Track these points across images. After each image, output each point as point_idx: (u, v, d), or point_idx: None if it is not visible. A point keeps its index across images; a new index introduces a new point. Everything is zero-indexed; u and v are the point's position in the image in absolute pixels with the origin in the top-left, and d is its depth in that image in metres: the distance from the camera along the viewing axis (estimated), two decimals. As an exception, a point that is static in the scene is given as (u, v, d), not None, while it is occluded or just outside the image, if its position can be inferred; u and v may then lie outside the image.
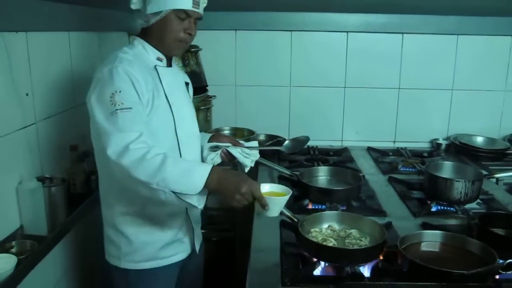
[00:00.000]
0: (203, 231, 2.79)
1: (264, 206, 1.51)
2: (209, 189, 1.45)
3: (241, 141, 1.97)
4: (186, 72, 2.68)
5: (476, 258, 1.55)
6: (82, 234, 2.15)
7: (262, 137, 3.05)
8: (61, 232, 1.91)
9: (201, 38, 2.85)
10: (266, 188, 1.59)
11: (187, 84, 1.90)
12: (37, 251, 1.69)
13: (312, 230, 1.76)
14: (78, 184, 2.13)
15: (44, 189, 1.84)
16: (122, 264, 1.71)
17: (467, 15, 2.94)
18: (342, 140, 3.18)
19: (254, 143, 2.04)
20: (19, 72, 1.83)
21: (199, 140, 1.87)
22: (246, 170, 1.86)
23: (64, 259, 2.04)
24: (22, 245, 1.70)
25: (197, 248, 1.88)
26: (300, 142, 2.37)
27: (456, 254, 1.60)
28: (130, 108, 1.48)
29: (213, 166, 1.47)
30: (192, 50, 2.74)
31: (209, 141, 1.92)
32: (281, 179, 2.43)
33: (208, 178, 1.43)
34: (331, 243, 1.66)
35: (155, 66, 1.68)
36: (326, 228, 1.79)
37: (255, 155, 1.90)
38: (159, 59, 1.70)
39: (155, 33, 1.65)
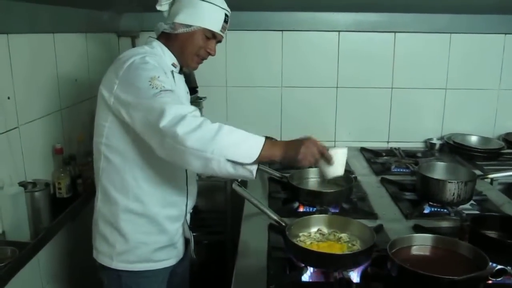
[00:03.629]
0: (194, 234, 2.77)
1: (329, 160, 1.58)
2: (263, 157, 1.47)
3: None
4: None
5: (467, 262, 1.51)
6: (68, 240, 2.11)
7: (253, 139, 3.01)
8: (44, 238, 1.86)
9: (191, 39, 2.84)
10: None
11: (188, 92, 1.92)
12: (18, 258, 1.65)
13: (300, 234, 1.73)
14: (63, 188, 2.10)
15: (27, 194, 1.80)
16: (114, 264, 1.68)
17: (459, 13, 2.91)
18: (335, 141, 3.15)
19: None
20: (0, 75, 1.79)
21: None
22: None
23: (48, 266, 2.00)
24: (3, 252, 1.66)
25: (192, 253, 1.89)
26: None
27: (447, 258, 1.56)
28: (171, 90, 1.49)
29: (266, 137, 1.51)
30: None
31: None
32: (271, 181, 2.40)
33: (263, 147, 1.46)
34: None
35: (172, 71, 1.70)
36: (315, 232, 1.75)
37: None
38: (174, 65, 1.72)
39: (178, 42, 1.69)
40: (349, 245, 1.66)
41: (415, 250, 1.61)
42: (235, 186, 1.92)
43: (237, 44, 3.01)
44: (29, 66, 1.99)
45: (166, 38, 1.71)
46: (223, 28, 1.71)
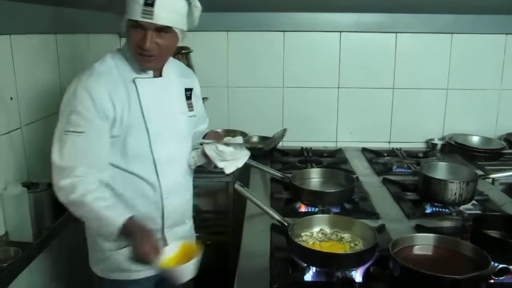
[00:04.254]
0: (197, 234, 2.76)
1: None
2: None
3: (227, 138, 1.77)
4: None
5: (469, 262, 1.52)
6: (70, 240, 2.11)
7: (255, 139, 3.02)
8: (47, 239, 1.87)
9: (193, 40, 2.82)
10: (172, 250, 1.52)
11: (188, 90, 1.78)
12: (21, 258, 1.65)
13: (302, 234, 1.73)
14: (66, 189, 2.09)
15: (30, 195, 1.81)
16: (97, 271, 1.70)
17: (461, 14, 2.91)
18: (336, 141, 3.15)
19: (238, 139, 1.77)
20: (3, 76, 1.80)
21: (186, 159, 1.77)
22: (227, 171, 1.72)
23: (50, 266, 2.00)
24: (6, 252, 1.67)
25: None
26: (278, 137, 2.34)
27: (449, 257, 1.57)
28: (81, 132, 1.48)
29: (127, 221, 1.47)
30: (183, 51, 2.70)
31: (203, 138, 1.86)
32: (273, 182, 2.41)
33: (119, 232, 1.48)
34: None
35: (134, 79, 1.59)
36: (317, 232, 1.75)
37: (233, 154, 1.70)
38: (142, 70, 1.61)
39: (126, 40, 1.59)
40: (352, 245, 1.66)
41: (417, 250, 1.61)
42: (237, 186, 1.92)
43: (239, 45, 3.01)
44: (32, 67, 2.00)
45: None
46: (146, 13, 1.44)
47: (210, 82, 2.93)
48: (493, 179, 2.52)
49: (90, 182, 1.49)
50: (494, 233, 1.73)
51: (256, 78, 3.06)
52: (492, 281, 1.43)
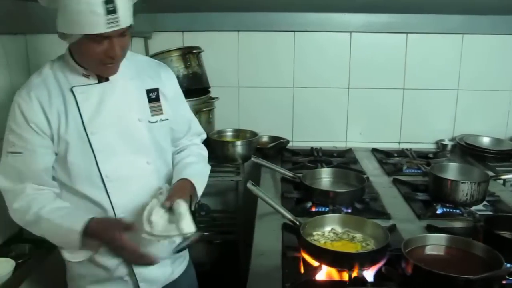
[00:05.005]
0: (206, 233, 2.77)
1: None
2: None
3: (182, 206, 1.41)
4: (188, 74, 2.66)
5: (481, 262, 1.52)
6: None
7: (265, 139, 3.03)
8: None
9: (203, 39, 2.86)
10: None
11: (153, 91, 1.56)
12: (36, 255, 1.67)
13: (314, 233, 1.73)
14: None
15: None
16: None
17: (472, 14, 2.90)
18: (346, 141, 3.15)
19: (187, 223, 1.38)
20: (18, 75, 1.81)
21: (155, 173, 1.57)
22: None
23: (63, 263, 2.01)
24: (21, 249, 1.69)
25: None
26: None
27: (461, 257, 1.57)
28: (19, 152, 1.41)
29: (87, 224, 1.38)
30: (194, 51, 2.72)
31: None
32: (284, 181, 2.41)
33: (80, 244, 1.41)
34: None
35: (71, 88, 1.43)
36: (329, 231, 1.76)
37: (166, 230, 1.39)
38: (85, 75, 1.45)
39: (76, 54, 1.42)
40: (363, 244, 1.67)
41: (429, 250, 1.61)
42: (249, 185, 1.92)
43: (249, 45, 3.02)
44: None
45: (70, 47, 1.44)
46: (112, 22, 1.28)
47: (220, 82, 2.96)
48: (504, 180, 2.51)
49: (44, 198, 1.44)
50: (506, 234, 1.72)
51: (266, 78, 3.07)
52: (504, 281, 1.43)
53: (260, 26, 2.95)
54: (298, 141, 3.11)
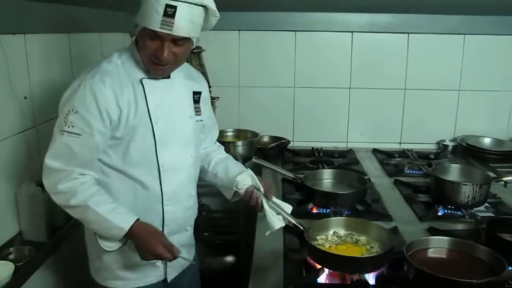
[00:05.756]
0: (206, 233, 2.77)
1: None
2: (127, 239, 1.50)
3: (274, 198, 1.69)
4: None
5: (484, 266, 1.51)
6: (83, 239, 2.11)
7: (266, 139, 3.02)
8: (61, 238, 1.88)
9: (204, 39, 2.82)
10: None
11: (197, 93, 1.72)
12: (35, 257, 1.66)
13: (318, 237, 1.71)
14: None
15: (44, 194, 1.80)
16: (101, 280, 1.67)
17: (473, 14, 2.89)
18: (347, 142, 3.14)
19: (287, 206, 1.70)
20: (17, 75, 1.80)
21: (194, 166, 1.71)
22: (267, 233, 1.63)
23: (64, 266, 2.01)
24: (20, 252, 1.68)
25: (170, 277, 1.74)
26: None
27: (464, 261, 1.56)
28: (78, 134, 1.44)
29: (134, 223, 1.46)
30: (195, 51, 2.71)
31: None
32: (285, 182, 2.40)
33: (124, 237, 1.48)
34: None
35: (141, 80, 1.54)
36: (332, 234, 1.74)
37: (282, 221, 1.64)
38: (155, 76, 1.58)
39: (139, 44, 1.52)
40: (368, 247, 1.65)
41: (431, 253, 1.61)
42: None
43: (250, 44, 3.01)
44: (45, 66, 2.00)
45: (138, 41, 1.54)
46: (166, 24, 1.38)
47: (221, 82, 2.95)
48: (506, 182, 2.50)
49: (90, 185, 1.48)
50: (508, 237, 1.71)
51: (267, 78, 3.05)
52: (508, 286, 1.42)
53: (261, 25, 2.94)
54: (299, 141, 3.10)
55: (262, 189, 1.67)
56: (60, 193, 1.46)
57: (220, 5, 1.51)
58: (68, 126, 1.43)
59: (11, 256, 1.65)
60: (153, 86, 1.55)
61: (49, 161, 1.46)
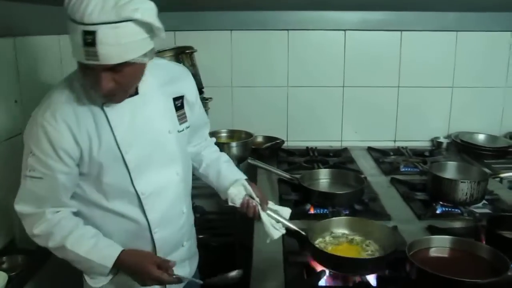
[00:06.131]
0: (201, 236, 2.73)
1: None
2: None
3: (270, 203, 1.63)
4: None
5: (487, 265, 1.49)
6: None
7: (260, 139, 2.99)
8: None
9: (196, 39, 2.81)
10: None
11: (178, 98, 1.52)
12: (29, 266, 1.62)
13: (320, 238, 1.69)
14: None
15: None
16: None
17: (466, 11, 2.89)
18: (341, 140, 3.12)
19: (286, 211, 1.65)
20: (7, 78, 1.76)
21: (183, 181, 1.56)
22: (268, 240, 1.57)
23: (58, 274, 1.96)
24: (14, 260, 1.64)
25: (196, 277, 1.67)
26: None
27: (466, 260, 1.54)
28: (40, 178, 1.32)
29: (119, 256, 1.36)
30: (187, 51, 2.67)
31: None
32: (281, 183, 2.38)
33: (109, 274, 1.39)
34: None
35: (102, 105, 1.35)
36: (332, 235, 1.72)
37: (282, 229, 1.58)
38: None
39: None
40: (363, 246, 1.64)
41: (433, 252, 1.59)
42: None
43: (243, 44, 2.97)
44: (36, 69, 1.96)
45: None
46: (90, 55, 1.15)
47: (214, 82, 2.91)
48: (502, 178, 2.50)
49: (67, 222, 1.37)
50: (508, 234, 1.70)
51: (260, 78, 3.02)
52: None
53: (253, 24, 2.90)
54: (293, 140, 3.08)
55: (257, 198, 1.59)
56: (37, 236, 1.37)
57: (211, 5, 1.45)
58: (29, 171, 1.32)
59: (4, 266, 1.61)
60: (118, 111, 1.36)
61: (19, 207, 1.37)
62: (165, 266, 1.37)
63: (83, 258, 1.35)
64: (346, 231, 1.73)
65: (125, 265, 1.37)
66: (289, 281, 1.50)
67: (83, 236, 1.37)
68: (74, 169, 1.35)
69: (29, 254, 1.66)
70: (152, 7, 1.22)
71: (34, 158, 1.31)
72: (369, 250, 1.62)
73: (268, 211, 1.58)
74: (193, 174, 1.73)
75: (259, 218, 1.58)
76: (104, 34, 1.14)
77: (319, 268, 1.54)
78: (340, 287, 1.51)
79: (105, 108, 1.34)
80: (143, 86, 1.39)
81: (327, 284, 1.52)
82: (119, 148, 1.37)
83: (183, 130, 1.54)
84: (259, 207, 1.57)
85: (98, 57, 1.15)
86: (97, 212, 1.43)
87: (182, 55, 2.64)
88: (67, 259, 1.39)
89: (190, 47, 2.70)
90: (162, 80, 1.48)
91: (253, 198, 1.60)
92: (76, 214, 1.43)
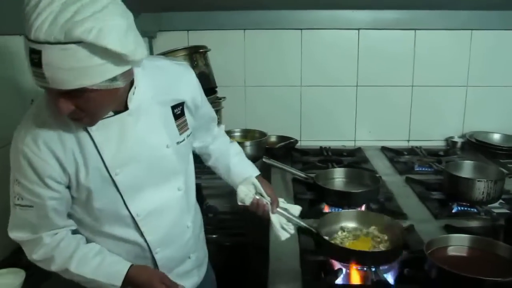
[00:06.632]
0: (214, 236, 2.73)
1: None
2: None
3: (281, 201, 1.63)
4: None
5: (506, 263, 1.48)
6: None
7: (273, 139, 2.98)
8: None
9: (209, 39, 2.81)
10: None
11: (178, 106, 1.39)
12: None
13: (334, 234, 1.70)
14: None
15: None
16: None
17: (480, 9, 2.86)
18: (355, 140, 3.11)
19: (296, 209, 1.65)
20: (23, 77, 1.77)
21: (185, 195, 1.45)
22: (284, 238, 1.59)
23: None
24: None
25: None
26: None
27: (485, 259, 1.53)
28: (30, 206, 1.23)
29: (127, 272, 1.29)
30: (201, 50, 2.67)
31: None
32: (296, 182, 2.37)
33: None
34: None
35: (86, 127, 1.21)
36: (341, 229, 1.74)
37: (292, 229, 1.59)
38: None
39: None
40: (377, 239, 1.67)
41: (451, 251, 1.58)
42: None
43: (256, 43, 2.97)
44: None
45: None
46: (38, 76, 1.01)
47: (227, 81, 2.91)
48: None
49: (67, 243, 1.29)
50: (527, 233, 1.69)
51: (273, 77, 3.02)
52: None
53: (266, 24, 2.90)
54: (306, 140, 3.07)
55: (268, 198, 1.58)
56: (38, 262, 1.30)
57: (225, 5, 1.42)
58: (18, 199, 1.22)
59: (22, 262, 1.60)
60: (104, 131, 1.22)
61: (14, 234, 1.28)
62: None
63: (90, 280, 1.28)
64: (356, 225, 1.75)
65: (134, 282, 1.30)
66: (306, 280, 1.49)
67: (87, 256, 1.29)
68: (64, 192, 1.25)
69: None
70: (117, 25, 1.02)
71: (20, 187, 1.21)
72: (381, 241, 1.65)
73: (279, 209, 1.58)
74: (205, 168, 1.70)
75: (268, 217, 1.57)
76: (49, 55, 0.98)
77: (336, 266, 1.54)
78: (358, 286, 1.50)
79: (89, 129, 1.21)
80: (135, 99, 1.25)
81: (345, 283, 1.51)
82: (108, 171, 1.25)
83: (183, 140, 1.41)
84: (269, 206, 1.56)
85: (46, 80, 1.00)
86: (95, 235, 1.35)
87: (196, 54, 2.64)
88: (73, 280, 1.31)
89: (203, 47, 2.70)
90: (159, 88, 1.33)
91: (263, 197, 1.58)
92: (75, 231, 1.35)
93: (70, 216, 1.33)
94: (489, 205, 2.06)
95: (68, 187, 1.26)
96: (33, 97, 1.82)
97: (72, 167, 1.22)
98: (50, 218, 1.26)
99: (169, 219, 1.40)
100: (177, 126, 1.38)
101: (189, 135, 1.43)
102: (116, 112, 1.24)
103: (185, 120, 1.41)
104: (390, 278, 1.52)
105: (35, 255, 1.28)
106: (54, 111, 1.15)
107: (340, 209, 2.03)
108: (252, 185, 1.59)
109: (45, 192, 1.21)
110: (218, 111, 2.75)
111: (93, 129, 1.21)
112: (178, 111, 1.38)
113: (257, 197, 1.58)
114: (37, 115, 1.20)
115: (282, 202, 1.62)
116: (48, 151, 1.18)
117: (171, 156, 1.36)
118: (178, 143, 1.38)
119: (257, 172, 1.65)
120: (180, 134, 1.39)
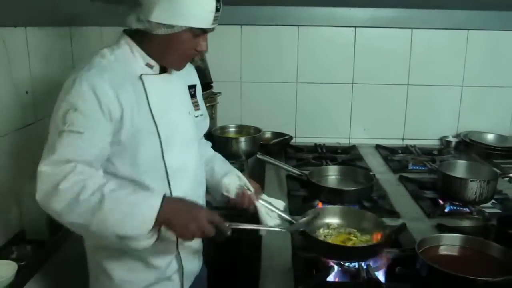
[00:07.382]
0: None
1: (225, 231, 1.33)
2: (159, 224, 1.28)
3: (264, 196, 1.67)
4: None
5: (497, 264, 1.48)
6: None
7: (268, 135, 2.98)
8: (63, 236, 1.84)
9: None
10: None
11: (192, 87, 1.61)
12: (38, 256, 1.62)
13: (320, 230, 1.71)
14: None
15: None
16: None
17: (477, 9, 2.86)
18: (349, 138, 3.11)
19: (279, 203, 1.68)
20: (18, 69, 1.76)
21: (198, 165, 1.57)
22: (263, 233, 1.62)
23: (66, 264, 1.97)
24: (23, 250, 1.64)
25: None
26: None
27: (477, 258, 1.53)
28: (80, 132, 1.26)
29: (164, 198, 1.28)
30: (197, 45, 2.66)
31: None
32: (289, 179, 2.37)
33: (157, 216, 1.26)
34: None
35: (140, 76, 1.40)
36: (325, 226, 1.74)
37: (276, 220, 1.62)
38: (149, 65, 1.42)
39: (156, 44, 1.37)
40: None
41: (443, 250, 1.58)
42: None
43: (252, 39, 2.97)
44: (47, 60, 1.96)
45: (140, 36, 1.38)
46: (215, 20, 1.35)
47: (223, 77, 2.91)
48: (510, 178, 2.49)
49: (98, 178, 1.30)
50: (519, 233, 1.69)
51: (269, 73, 3.01)
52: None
53: (263, 20, 2.89)
54: (301, 137, 3.07)
55: (252, 189, 1.62)
56: (65, 191, 1.23)
57: (222, 0, 1.46)
58: (68, 125, 1.26)
59: (14, 255, 1.61)
60: (154, 82, 1.41)
61: (45, 168, 1.26)
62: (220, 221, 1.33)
63: (125, 203, 1.25)
64: (339, 221, 1.76)
65: (172, 201, 1.33)
66: (298, 276, 1.49)
67: (121, 184, 1.32)
68: (113, 131, 1.33)
69: (39, 245, 1.67)
70: None
71: (76, 113, 1.26)
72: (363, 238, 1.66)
73: (262, 202, 1.61)
74: None
75: (254, 208, 1.60)
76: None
77: (328, 263, 1.54)
78: (349, 283, 1.51)
79: (143, 78, 1.39)
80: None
81: (336, 280, 1.52)
82: (153, 118, 1.40)
83: (197, 116, 1.62)
84: (254, 196, 1.61)
85: (216, 22, 1.36)
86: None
87: (192, 49, 2.63)
88: (96, 219, 1.24)
89: (200, 41, 2.69)
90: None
91: (248, 189, 1.62)
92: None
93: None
94: (481, 205, 2.06)
95: (116, 131, 1.33)
96: (27, 89, 1.82)
97: (127, 106, 1.33)
98: (92, 151, 1.30)
99: (190, 180, 1.52)
100: (193, 103, 1.60)
101: (201, 115, 1.64)
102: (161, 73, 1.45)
103: (197, 101, 1.62)
104: (381, 276, 1.52)
105: (64, 184, 1.23)
106: (122, 56, 1.38)
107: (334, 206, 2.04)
108: (236, 176, 1.66)
109: (100, 120, 1.29)
110: (213, 106, 2.74)
111: (147, 79, 1.39)
112: (192, 91, 1.60)
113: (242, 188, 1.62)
114: (100, 60, 1.36)
115: (265, 196, 1.66)
116: (110, 86, 1.31)
117: (191, 124, 1.55)
118: (195, 116, 1.59)
119: (238, 171, 1.71)
120: (195, 110, 1.60)
